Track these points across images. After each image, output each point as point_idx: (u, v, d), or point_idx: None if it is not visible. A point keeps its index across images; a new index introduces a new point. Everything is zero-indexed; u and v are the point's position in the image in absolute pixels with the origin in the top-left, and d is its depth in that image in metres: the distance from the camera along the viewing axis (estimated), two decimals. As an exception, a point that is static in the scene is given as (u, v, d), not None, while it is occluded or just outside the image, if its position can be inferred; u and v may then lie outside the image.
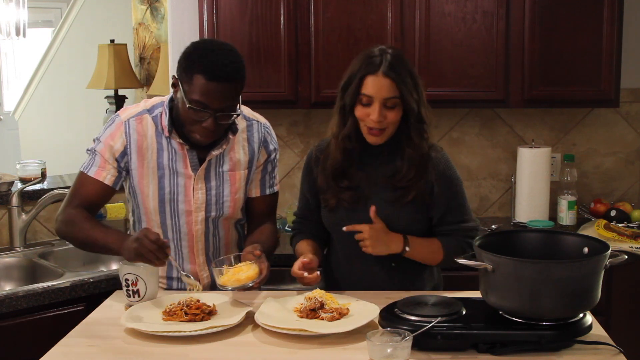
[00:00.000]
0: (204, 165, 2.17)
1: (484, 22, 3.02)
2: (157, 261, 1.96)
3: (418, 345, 1.68)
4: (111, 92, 4.97)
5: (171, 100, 2.14)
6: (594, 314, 1.84)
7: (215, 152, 2.16)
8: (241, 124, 2.22)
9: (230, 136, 2.17)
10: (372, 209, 2.08)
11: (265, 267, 2.06)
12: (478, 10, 3.02)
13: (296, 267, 2.08)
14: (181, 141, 2.13)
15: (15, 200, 3.00)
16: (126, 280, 2.02)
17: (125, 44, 4.92)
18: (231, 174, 2.21)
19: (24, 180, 3.17)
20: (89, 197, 2.18)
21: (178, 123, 2.12)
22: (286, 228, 3.18)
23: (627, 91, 3.32)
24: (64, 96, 6.12)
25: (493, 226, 3.23)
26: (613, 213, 3.22)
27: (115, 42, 4.87)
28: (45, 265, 2.84)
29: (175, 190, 2.17)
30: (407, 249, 2.11)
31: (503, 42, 3.03)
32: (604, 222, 3.11)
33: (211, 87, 1.98)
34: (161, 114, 2.15)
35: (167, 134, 2.13)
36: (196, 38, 3.06)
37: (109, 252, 2.13)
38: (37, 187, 3.11)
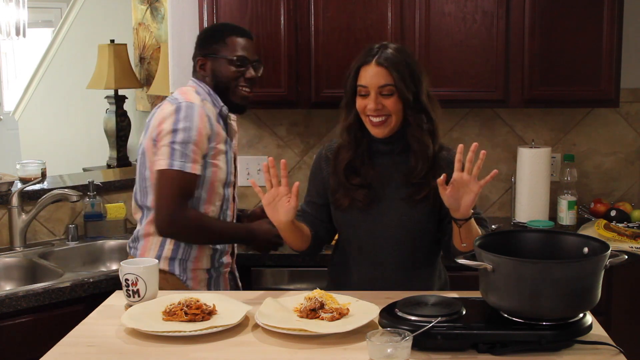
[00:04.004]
0: (233, 135, 2.51)
1: (484, 22, 3.02)
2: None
3: (418, 345, 1.68)
4: (111, 92, 4.97)
5: (209, 83, 2.41)
6: (594, 314, 1.84)
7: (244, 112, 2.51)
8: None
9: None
10: (442, 178, 1.93)
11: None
12: (478, 10, 3.02)
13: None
14: (229, 114, 2.44)
15: (15, 200, 3.00)
16: (126, 280, 2.02)
17: (125, 44, 4.92)
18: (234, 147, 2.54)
19: (24, 180, 3.17)
20: (193, 193, 2.29)
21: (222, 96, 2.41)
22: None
23: (627, 91, 3.32)
24: (64, 96, 6.12)
25: (493, 226, 3.22)
26: (613, 213, 3.22)
27: (115, 42, 4.88)
28: (45, 265, 2.84)
29: (230, 162, 2.43)
30: (472, 211, 2.01)
31: (503, 42, 3.03)
32: (604, 222, 3.11)
33: (245, 42, 2.41)
34: (213, 98, 2.39)
35: (225, 112, 2.41)
36: (196, 38, 3.07)
37: (234, 243, 2.50)
38: (37, 187, 3.11)
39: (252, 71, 2.40)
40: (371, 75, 2.07)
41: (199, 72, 2.42)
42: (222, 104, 2.40)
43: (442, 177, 1.94)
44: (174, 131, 2.22)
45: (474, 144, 1.94)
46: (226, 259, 2.46)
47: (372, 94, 2.07)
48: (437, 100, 2.19)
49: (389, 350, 1.59)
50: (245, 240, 2.45)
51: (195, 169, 2.24)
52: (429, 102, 2.13)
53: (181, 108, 2.24)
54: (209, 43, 2.41)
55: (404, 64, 2.08)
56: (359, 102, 2.10)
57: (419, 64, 2.17)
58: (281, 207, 1.99)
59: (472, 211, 2.00)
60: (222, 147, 2.36)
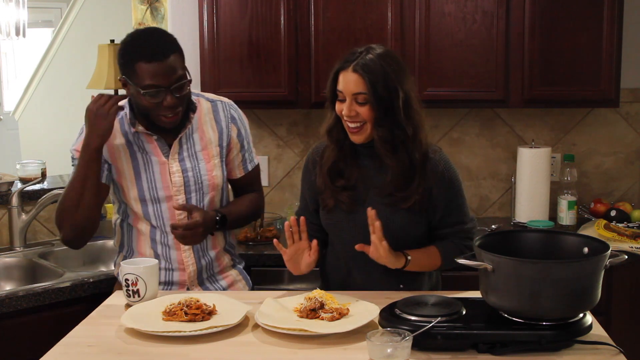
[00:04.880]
0: (175, 148, 2.24)
1: (484, 22, 3.02)
2: (114, 107, 2.11)
3: (418, 345, 1.68)
4: (111, 92, 4.97)
5: (129, 100, 2.23)
6: (594, 314, 1.84)
7: (181, 133, 2.23)
8: (205, 105, 2.31)
9: (192, 115, 2.25)
10: (370, 212, 2.02)
11: (198, 214, 2.16)
12: (478, 10, 3.01)
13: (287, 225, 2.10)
14: (149, 132, 2.21)
15: (15, 200, 3.00)
16: (126, 280, 2.02)
17: (125, 44, 4.91)
18: (204, 152, 2.28)
19: (24, 180, 3.17)
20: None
21: (141, 117, 2.21)
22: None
23: (627, 91, 3.32)
24: (64, 96, 6.13)
25: (493, 226, 3.23)
26: (613, 213, 3.22)
27: (115, 42, 4.87)
28: (45, 265, 2.84)
29: (152, 178, 2.24)
30: (408, 259, 2.10)
31: (503, 42, 3.03)
32: (604, 222, 3.11)
33: (155, 67, 2.07)
34: (124, 115, 2.24)
35: (134, 129, 2.21)
36: (196, 38, 3.07)
37: (88, 175, 2.16)
38: (37, 187, 3.11)
39: (169, 99, 2.10)
40: (347, 82, 2.06)
41: (124, 89, 2.19)
42: (128, 119, 2.22)
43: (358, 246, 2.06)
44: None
45: (370, 211, 2.01)
46: (178, 275, 2.31)
47: (347, 100, 2.07)
48: (423, 103, 2.14)
49: (389, 350, 1.59)
50: (91, 154, 2.14)
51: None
52: (404, 113, 2.06)
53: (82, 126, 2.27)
54: (122, 65, 2.14)
55: (381, 73, 2.03)
56: (337, 106, 2.10)
57: (401, 70, 2.09)
58: (303, 262, 2.12)
59: (407, 258, 2.09)
60: (124, 164, 2.23)
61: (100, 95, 2.14)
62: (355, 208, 2.15)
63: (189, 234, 2.17)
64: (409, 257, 2.09)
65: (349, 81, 2.05)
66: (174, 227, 2.17)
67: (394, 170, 2.10)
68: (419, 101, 2.13)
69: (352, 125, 2.08)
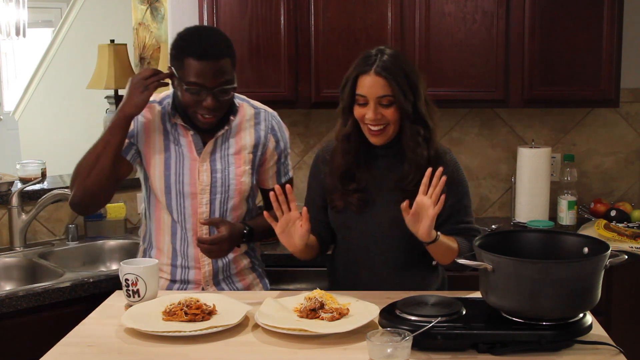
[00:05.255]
0: (209, 147, 2.24)
1: (484, 22, 3.02)
2: (155, 83, 2.11)
3: (418, 345, 1.68)
4: (111, 92, 4.97)
5: (173, 90, 2.23)
6: (594, 314, 1.84)
7: (218, 134, 2.23)
8: (249, 111, 2.30)
9: (232, 117, 2.24)
10: (405, 204, 1.97)
11: (225, 228, 2.15)
12: (478, 10, 3.02)
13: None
14: (186, 125, 2.22)
15: (15, 200, 3.00)
16: (126, 280, 2.02)
17: (125, 44, 4.92)
18: (237, 157, 2.27)
19: (24, 180, 3.17)
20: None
21: (181, 110, 2.21)
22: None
23: (627, 91, 3.32)
24: (64, 96, 6.13)
25: (493, 226, 3.23)
26: (613, 213, 3.22)
27: (115, 42, 4.87)
28: (45, 265, 2.84)
29: (181, 172, 2.23)
30: (438, 234, 2.03)
31: (503, 42, 3.03)
32: (604, 222, 3.11)
33: (203, 66, 2.08)
34: (167, 104, 2.25)
35: (172, 119, 2.22)
36: (196, 38, 3.07)
37: (115, 142, 2.15)
38: (37, 187, 3.11)
39: (209, 100, 2.10)
40: (370, 85, 2.05)
41: (170, 80, 2.19)
42: (170, 110, 2.23)
43: (405, 202, 1.96)
44: None
45: (428, 170, 1.97)
46: (194, 274, 2.30)
47: (371, 103, 2.06)
48: (434, 103, 2.17)
49: (389, 350, 1.59)
50: (120, 121, 2.14)
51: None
52: (426, 109, 2.11)
53: None
54: (172, 55, 2.16)
55: (402, 73, 2.06)
56: (358, 111, 2.10)
57: (416, 70, 2.13)
58: (295, 233, 2.05)
59: (437, 233, 2.02)
60: (156, 153, 2.23)
61: (148, 69, 2.17)
62: (364, 209, 2.15)
63: (214, 249, 2.16)
64: (439, 233, 2.03)
65: (372, 84, 2.05)
66: (200, 242, 2.16)
67: (413, 164, 2.10)
68: (432, 100, 2.16)
69: (375, 128, 2.08)
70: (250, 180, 2.29)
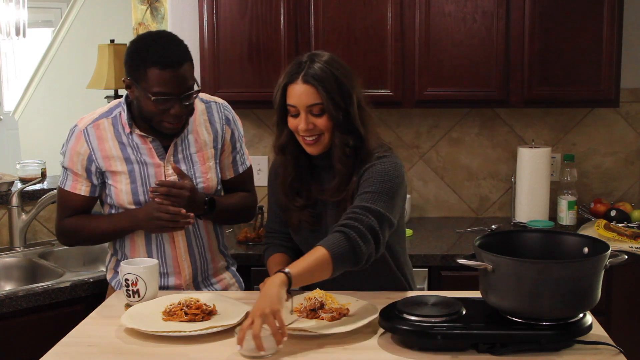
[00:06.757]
0: (170, 150, 2.22)
1: (484, 22, 3.02)
2: (182, 225, 2.14)
3: (418, 345, 1.68)
4: (111, 92, 4.96)
5: (127, 97, 2.20)
6: (594, 314, 1.84)
7: (177, 136, 2.22)
8: (200, 106, 2.28)
9: (191, 118, 2.23)
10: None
11: (189, 181, 2.16)
12: (478, 10, 3.02)
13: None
14: (144, 134, 2.19)
15: (15, 200, 3.00)
16: (126, 280, 2.02)
17: (125, 44, 4.90)
18: (199, 154, 2.26)
19: (24, 180, 3.17)
20: (76, 208, 2.27)
21: (140, 119, 2.18)
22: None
23: (627, 91, 3.32)
24: (64, 96, 6.13)
25: (493, 226, 3.23)
26: (613, 213, 3.22)
27: (115, 42, 4.87)
28: (45, 265, 2.84)
29: (147, 181, 2.21)
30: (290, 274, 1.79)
31: (503, 42, 3.03)
32: (604, 222, 3.11)
33: (168, 75, 2.04)
34: (120, 114, 2.22)
35: (128, 130, 2.19)
36: (196, 38, 3.07)
37: (125, 234, 2.25)
38: (37, 187, 3.11)
39: (177, 108, 2.07)
40: (299, 95, 1.98)
41: (127, 91, 2.15)
42: (125, 122, 2.18)
43: None
44: (62, 152, 2.27)
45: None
46: (173, 280, 2.28)
47: (302, 113, 1.99)
48: (371, 105, 2.08)
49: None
50: (130, 224, 2.19)
51: (74, 187, 2.23)
52: (359, 117, 2.02)
53: (70, 131, 2.26)
54: (130, 66, 2.09)
55: (332, 80, 1.97)
56: (291, 122, 2.03)
57: (350, 74, 2.03)
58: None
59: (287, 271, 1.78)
60: (118, 167, 2.19)
61: (167, 206, 2.12)
62: (318, 226, 2.10)
63: (175, 193, 2.11)
64: (289, 271, 1.79)
65: (301, 93, 1.98)
66: (159, 185, 2.12)
67: (339, 174, 2.03)
68: (368, 103, 2.08)
69: (309, 138, 2.02)
70: (216, 175, 2.29)
